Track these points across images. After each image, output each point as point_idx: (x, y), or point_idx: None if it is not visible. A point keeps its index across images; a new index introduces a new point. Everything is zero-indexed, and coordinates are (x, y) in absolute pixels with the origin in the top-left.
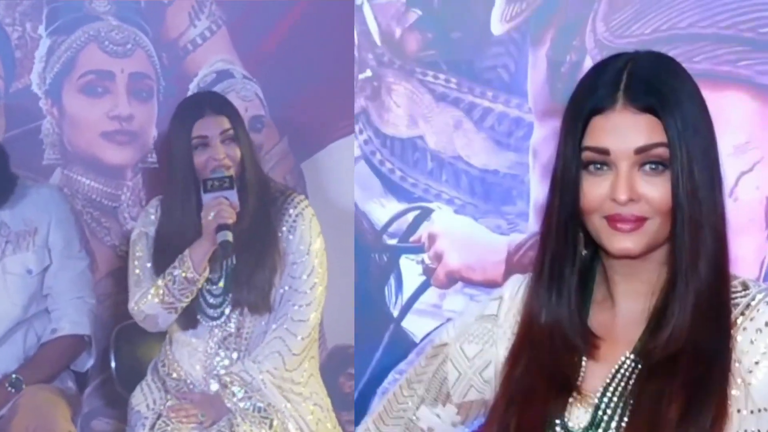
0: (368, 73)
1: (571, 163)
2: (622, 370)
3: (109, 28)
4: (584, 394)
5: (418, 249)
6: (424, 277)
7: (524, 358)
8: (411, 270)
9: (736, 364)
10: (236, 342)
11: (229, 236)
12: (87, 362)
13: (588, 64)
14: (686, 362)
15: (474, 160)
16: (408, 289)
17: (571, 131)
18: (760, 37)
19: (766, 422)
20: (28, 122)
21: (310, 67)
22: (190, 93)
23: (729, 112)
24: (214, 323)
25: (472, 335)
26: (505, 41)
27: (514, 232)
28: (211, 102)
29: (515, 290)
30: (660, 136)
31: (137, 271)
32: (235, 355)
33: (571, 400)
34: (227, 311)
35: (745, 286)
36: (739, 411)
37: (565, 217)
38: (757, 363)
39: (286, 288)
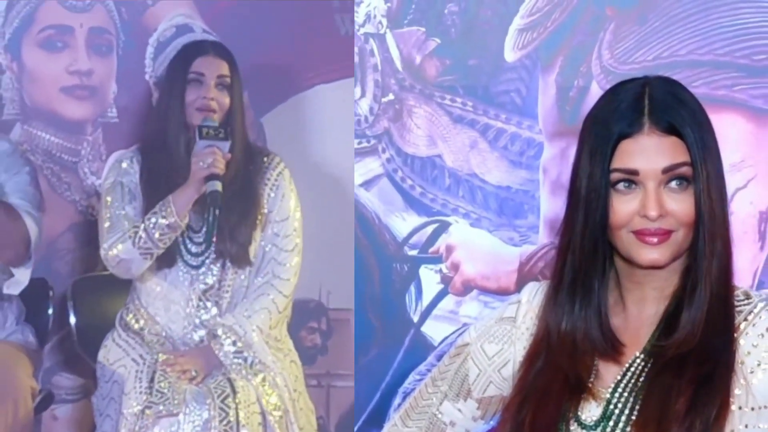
0: (391, 96)
1: (600, 183)
2: (632, 369)
3: None
4: (596, 389)
5: (436, 259)
6: (442, 286)
7: (540, 360)
8: (430, 279)
9: (740, 365)
10: (217, 295)
11: (218, 186)
12: (22, 283)
13: (594, 88)
14: (695, 361)
15: (488, 177)
16: (427, 297)
17: (599, 154)
18: (754, 64)
19: (765, 419)
20: None
21: (270, 20)
22: (149, 47)
23: (725, 133)
24: (194, 272)
25: (492, 336)
26: (518, 68)
27: (525, 243)
28: (216, 46)
29: (532, 295)
30: (684, 156)
31: (109, 217)
32: (214, 310)
33: (584, 396)
34: (208, 261)
35: (747, 296)
36: (740, 408)
37: (594, 232)
38: (758, 364)
39: (271, 245)
